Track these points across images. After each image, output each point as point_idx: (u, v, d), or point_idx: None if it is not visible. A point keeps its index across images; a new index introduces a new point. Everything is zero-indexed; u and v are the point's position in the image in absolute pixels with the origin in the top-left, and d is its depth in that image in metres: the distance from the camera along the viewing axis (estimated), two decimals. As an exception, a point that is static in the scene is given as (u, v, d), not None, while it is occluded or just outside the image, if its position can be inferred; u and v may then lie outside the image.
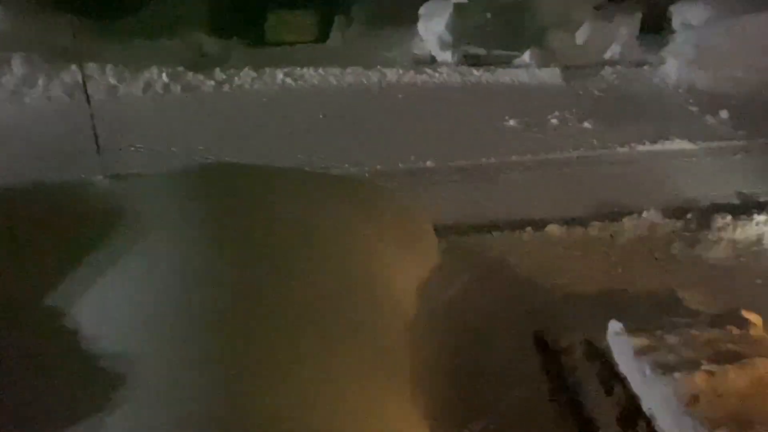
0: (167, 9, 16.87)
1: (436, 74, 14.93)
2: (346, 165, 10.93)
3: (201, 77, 14.29)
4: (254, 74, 14.52)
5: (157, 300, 4.50)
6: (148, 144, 11.44)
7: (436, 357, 6.40)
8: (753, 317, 5.63)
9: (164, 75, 14.09)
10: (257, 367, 4.01)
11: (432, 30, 16.40)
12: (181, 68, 14.38)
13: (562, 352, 5.96)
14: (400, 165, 11.14)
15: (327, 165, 10.73)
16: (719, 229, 8.84)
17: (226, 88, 14.17)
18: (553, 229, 9.13)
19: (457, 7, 15.46)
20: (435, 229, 8.52)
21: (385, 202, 7.37)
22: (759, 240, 8.68)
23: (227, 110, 13.18)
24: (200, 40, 16.63)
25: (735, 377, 4.72)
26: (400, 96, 14.23)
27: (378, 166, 11.01)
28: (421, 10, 17.03)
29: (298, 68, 14.88)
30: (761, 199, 9.75)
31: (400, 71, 14.97)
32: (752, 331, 5.33)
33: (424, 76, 14.89)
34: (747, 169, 10.84)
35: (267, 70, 14.73)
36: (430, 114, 13.32)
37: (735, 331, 5.29)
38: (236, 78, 14.44)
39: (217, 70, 14.59)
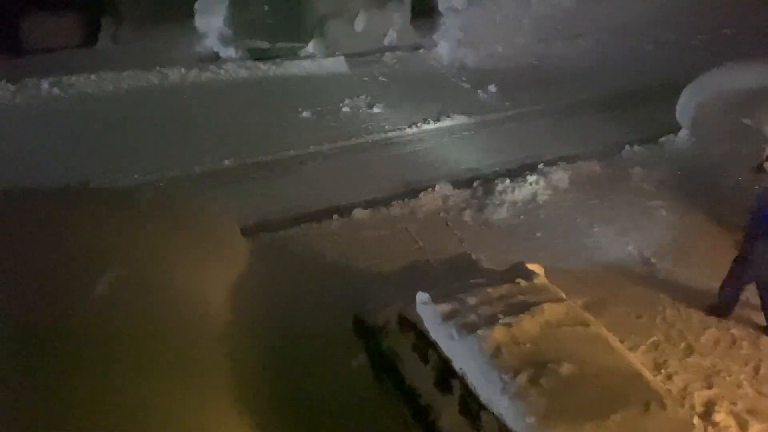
0: None
1: (222, 71, 14.51)
2: (135, 176, 10.21)
3: (-54, 96, 12.39)
4: (13, 87, 12.90)
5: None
6: None
7: (258, 357, 6.33)
8: (536, 268, 6.30)
9: None
10: (61, 406, 3.66)
11: (211, 25, 15.88)
12: None
13: (379, 330, 6.17)
14: (195, 168, 10.70)
15: (112, 179, 9.93)
16: (500, 193, 9.77)
17: (-20, 105, 12.43)
18: (358, 213, 9.43)
19: (234, 1, 15.11)
20: (242, 230, 8.40)
21: (182, 211, 7.04)
22: (534, 198, 9.75)
23: (-15, 130, 11.58)
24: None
25: (528, 325, 5.26)
26: (185, 96, 13.60)
27: (171, 173, 10.44)
28: (197, 5, 16.40)
29: (67, 76, 13.53)
30: (530, 161, 10.95)
31: (183, 71, 14.30)
32: (537, 281, 5.96)
33: (209, 74, 14.38)
34: (516, 136, 12.08)
35: (29, 81, 13.17)
36: (221, 112, 12.92)
37: (523, 283, 5.87)
38: (-9, 93, 12.72)
39: (-35, 86, 12.73)
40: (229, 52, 15.26)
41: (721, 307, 7.20)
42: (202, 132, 11.97)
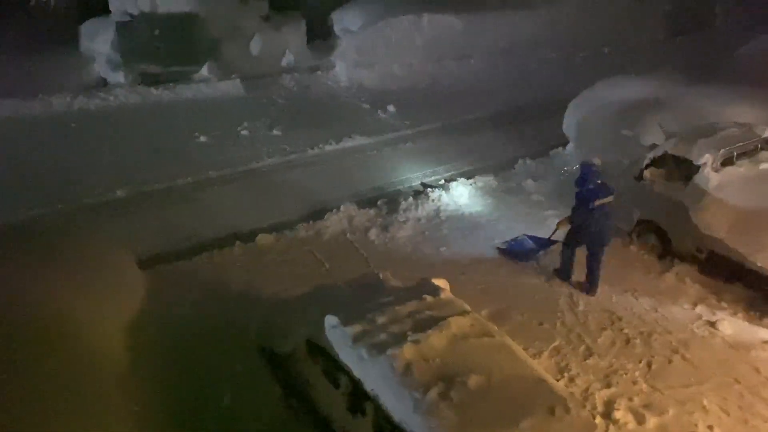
0: None
1: (111, 97, 13.90)
2: (20, 210, 9.53)
3: None
4: None
5: None
6: None
7: (161, 394, 6.02)
8: (441, 282, 6.41)
9: None
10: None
11: (98, 50, 15.21)
12: None
13: (288, 357, 6.05)
14: (85, 200, 10.14)
15: (-7, 215, 9.24)
16: (405, 211, 9.91)
17: None
18: (262, 238, 9.24)
19: (121, 25, 14.54)
20: (138, 263, 8.00)
21: (70, 246, 6.60)
22: (437, 213, 9.95)
23: None
24: None
25: (436, 340, 5.32)
26: (72, 125, 12.91)
27: (59, 206, 9.83)
28: (82, 29, 15.70)
29: (-65, 106, 12.53)
30: (431, 178, 11.21)
31: (69, 98, 13.59)
32: (442, 295, 6.05)
33: (97, 101, 13.75)
34: (416, 154, 12.33)
35: None
36: (112, 140, 12.34)
37: (429, 298, 5.95)
38: None
39: None
40: (118, 77, 14.65)
41: (562, 270, 8.21)
42: (91, 161, 11.39)
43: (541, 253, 8.67)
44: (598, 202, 7.72)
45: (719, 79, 11.58)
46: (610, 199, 7.81)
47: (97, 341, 5.50)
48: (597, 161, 8.00)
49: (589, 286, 8.03)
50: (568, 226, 8.12)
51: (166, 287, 7.82)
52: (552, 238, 8.52)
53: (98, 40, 15.27)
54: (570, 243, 8.14)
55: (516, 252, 8.78)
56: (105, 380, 5.17)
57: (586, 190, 7.78)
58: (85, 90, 14.17)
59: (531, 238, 8.90)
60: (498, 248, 8.91)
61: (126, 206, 10.12)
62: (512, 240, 8.98)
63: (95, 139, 12.30)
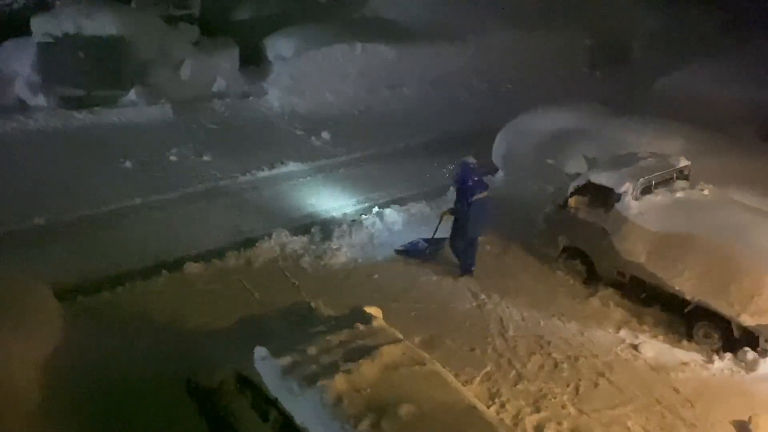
0: None
1: (30, 121, 13.29)
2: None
3: None
4: None
5: None
6: None
7: (81, 430, 5.72)
8: (373, 310, 6.35)
9: None
10: None
11: (18, 72, 14.57)
12: None
13: (215, 391, 5.84)
14: (-1, 228, 9.65)
15: None
16: (338, 237, 9.86)
17: None
18: (190, 267, 8.96)
19: (42, 47, 13.99)
20: (57, 294, 7.58)
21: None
22: (370, 240, 9.96)
23: None
24: None
25: (368, 370, 5.25)
26: (-13, 149, 12.30)
27: (-30, 236, 9.31)
28: (1, 49, 14.99)
29: None
30: (365, 205, 11.22)
31: (-16, 121, 12.93)
32: (375, 324, 6.01)
33: (15, 124, 13.11)
34: (350, 181, 12.33)
35: None
36: (31, 165, 11.76)
37: (361, 327, 5.89)
38: None
39: None
40: (39, 100, 14.04)
41: (463, 266, 9.00)
42: (7, 187, 10.81)
43: (432, 249, 9.52)
44: (476, 197, 8.71)
45: (637, 111, 12.18)
46: (485, 194, 8.87)
47: (4, 381, 5.15)
48: (473, 160, 8.97)
49: (462, 269, 9.02)
50: (451, 218, 9.10)
51: (88, 319, 7.50)
52: (440, 236, 9.41)
53: (18, 62, 14.64)
54: (456, 235, 9.03)
55: (411, 251, 9.65)
56: (15, 421, 4.84)
57: (466, 186, 8.76)
58: (3, 112, 13.51)
59: (425, 240, 9.72)
60: (397, 250, 9.69)
61: (45, 234, 9.66)
62: (409, 243, 9.79)
63: (13, 164, 11.72)
